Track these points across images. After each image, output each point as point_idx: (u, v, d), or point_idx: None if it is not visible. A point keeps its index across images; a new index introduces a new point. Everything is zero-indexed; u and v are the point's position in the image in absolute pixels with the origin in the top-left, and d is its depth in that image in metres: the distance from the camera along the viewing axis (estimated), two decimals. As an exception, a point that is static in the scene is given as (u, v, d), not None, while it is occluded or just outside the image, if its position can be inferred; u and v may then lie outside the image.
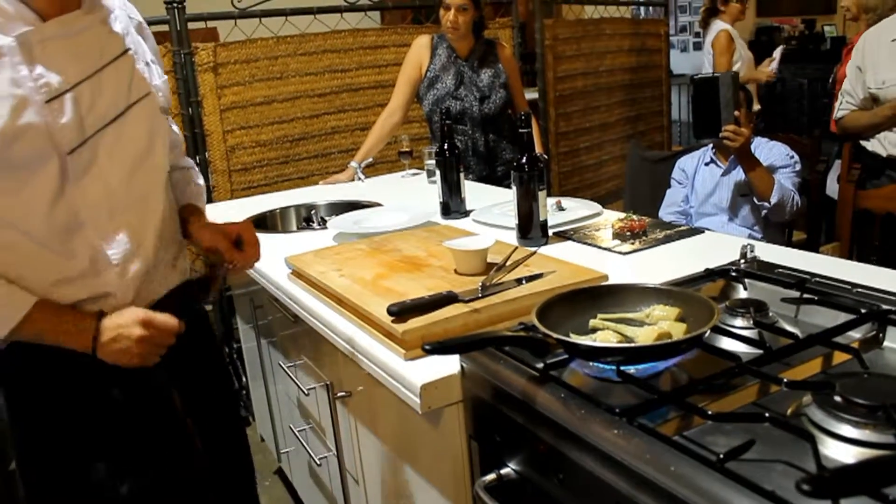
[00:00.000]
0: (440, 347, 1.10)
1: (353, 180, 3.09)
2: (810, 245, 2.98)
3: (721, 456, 0.81)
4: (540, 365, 1.09)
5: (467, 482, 1.29)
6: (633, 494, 0.89)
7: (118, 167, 1.27)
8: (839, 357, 1.09)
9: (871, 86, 2.69)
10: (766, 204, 2.58)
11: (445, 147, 2.29)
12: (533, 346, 1.12)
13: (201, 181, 1.65)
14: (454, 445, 1.28)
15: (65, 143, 1.19)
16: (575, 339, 1.11)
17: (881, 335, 1.15)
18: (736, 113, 2.48)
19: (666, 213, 2.94)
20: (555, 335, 1.07)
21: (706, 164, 2.87)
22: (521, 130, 1.84)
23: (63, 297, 1.26)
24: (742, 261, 1.49)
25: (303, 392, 1.88)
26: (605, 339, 1.12)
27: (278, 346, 2.22)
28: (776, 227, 2.78)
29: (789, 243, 2.89)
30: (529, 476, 1.13)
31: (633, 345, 1.08)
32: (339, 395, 1.71)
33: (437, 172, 2.31)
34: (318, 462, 2.01)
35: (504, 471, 1.18)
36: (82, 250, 1.25)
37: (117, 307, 1.28)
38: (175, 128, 1.58)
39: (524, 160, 1.82)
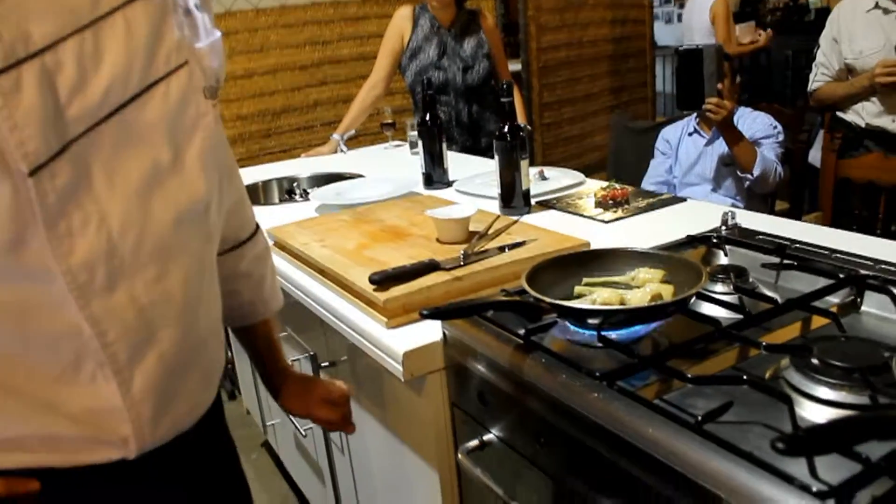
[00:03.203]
0: (437, 313, 1.09)
1: (335, 152, 3.07)
2: (793, 214, 2.99)
3: (699, 418, 0.82)
4: (522, 331, 1.10)
5: (451, 448, 1.30)
6: (613, 457, 0.90)
7: (121, 196, 0.74)
8: (818, 321, 1.10)
9: (847, 56, 2.69)
10: (749, 176, 2.58)
11: (427, 118, 2.27)
12: (527, 310, 1.12)
13: (270, 258, 1.21)
14: (437, 412, 1.29)
15: (22, 156, 0.67)
16: (570, 302, 1.11)
17: (859, 300, 1.16)
18: (719, 86, 2.47)
19: (649, 183, 2.95)
20: (549, 300, 1.07)
21: (689, 135, 2.86)
22: (502, 100, 1.83)
23: (21, 427, 0.77)
24: (723, 227, 1.50)
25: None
26: (606, 300, 1.11)
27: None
28: (759, 197, 2.78)
29: (772, 213, 2.90)
30: (511, 441, 1.13)
31: (627, 307, 1.08)
32: (324, 365, 1.71)
33: (420, 143, 2.30)
34: (304, 433, 2.02)
35: (486, 436, 1.19)
36: (61, 344, 0.75)
37: (125, 442, 0.80)
38: (225, 138, 1.01)
39: (506, 129, 1.81)
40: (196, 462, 0.93)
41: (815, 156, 3.36)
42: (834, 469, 0.72)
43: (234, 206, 1.08)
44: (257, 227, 1.18)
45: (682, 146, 2.88)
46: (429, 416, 1.30)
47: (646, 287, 1.12)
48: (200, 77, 0.83)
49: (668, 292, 1.10)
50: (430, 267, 1.36)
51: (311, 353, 1.75)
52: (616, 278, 1.20)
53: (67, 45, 0.68)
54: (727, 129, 2.56)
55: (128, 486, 0.84)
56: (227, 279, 1.05)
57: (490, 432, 1.18)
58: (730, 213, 1.51)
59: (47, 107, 0.68)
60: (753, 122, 2.69)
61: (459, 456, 1.21)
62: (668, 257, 1.21)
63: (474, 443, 1.19)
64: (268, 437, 2.76)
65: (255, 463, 2.86)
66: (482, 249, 1.46)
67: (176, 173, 0.80)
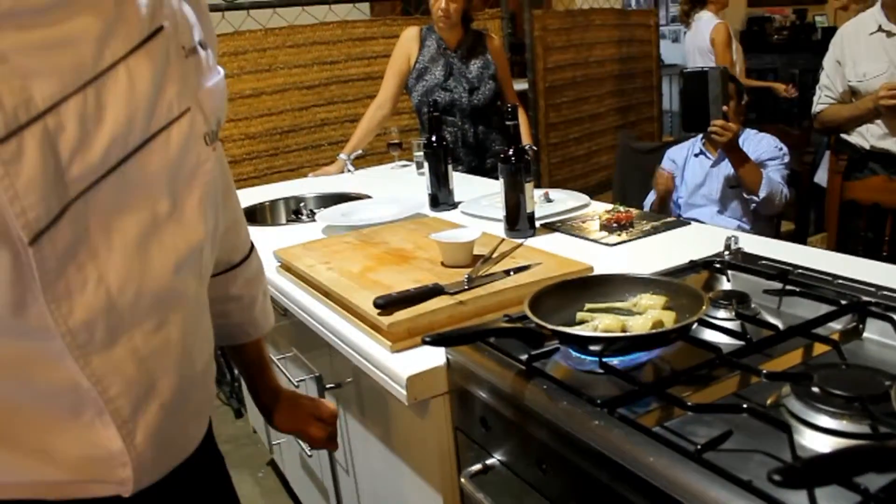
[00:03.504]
0: (439, 339, 1.10)
1: (342, 172, 3.09)
2: (799, 235, 3.00)
3: (699, 447, 0.83)
4: (524, 357, 1.10)
5: (454, 472, 1.30)
6: (613, 485, 0.90)
7: (120, 251, 0.73)
8: (819, 348, 1.11)
9: (850, 79, 2.70)
10: (755, 198, 2.59)
11: (434, 139, 2.29)
12: (529, 337, 1.12)
13: (263, 280, 1.20)
14: (440, 436, 1.29)
15: (22, 225, 0.65)
16: (572, 328, 1.12)
17: (861, 326, 1.17)
18: (724, 108, 2.48)
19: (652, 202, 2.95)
20: (550, 326, 1.08)
21: (696, 156, 2.87)
22: (507, 122, 1.84)
23: (28, 477, 0.77)
24: (726, 252, 1.50)
25: (293, 384, 1.88)
26: (608, 327, 1.12)
27: (268, 338, 2.22)
28: (765, 218, 2.79)
29: (778, 234, 2.91)
30: (514, 466, 1.14)
31: (628, 334, 1.09)
32: (329, 386, 1.72)
33: (426, 164, 2.32)
34: (309, 454, 2.02)
35: (489, 461, 1.19)
36: (60, 396, 0.74)
37: (123, 483, 0.79)
38: (225, 165, 0.99)
39: (511, 152, 1.82)
40: (186, 482, 0.92)
41: (821, 176, 3.37)
42: (833, 499, 0.73)
43: (229, 228, 1.04)
44: (252, 248, 1.16)
45: (689, 167, 2.89)
46: (432, 439, 1.30)
47: (648, 313, 1.13)
48: (202, 123, 0.81)
49: (669, 319, 1.11)
50: (435, 291, 1.37)
51: (317, 374, 1.76)
52: (618, 304, 1.21)
53: (70, 105, 0.66)
54: (732, 151, 2.57)
55: None
56: (216, 301, 1.03)
57: (493, 457, 1.18)
58: (733, 238, 1.52)
59: (48, 171, 0.65)
60: (759, 144, 2.70)
61: (462, 480, 1.21)
62: (670, 283, 1.22)
63: (477, 467, 1.20)
64: (274, 456, 2.76)
65: (262, 481, 2.86)
66: (486, 273, 1.47)
67: (175, 222, 0.78)
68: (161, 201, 0.77)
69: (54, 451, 0.76)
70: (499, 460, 1.17)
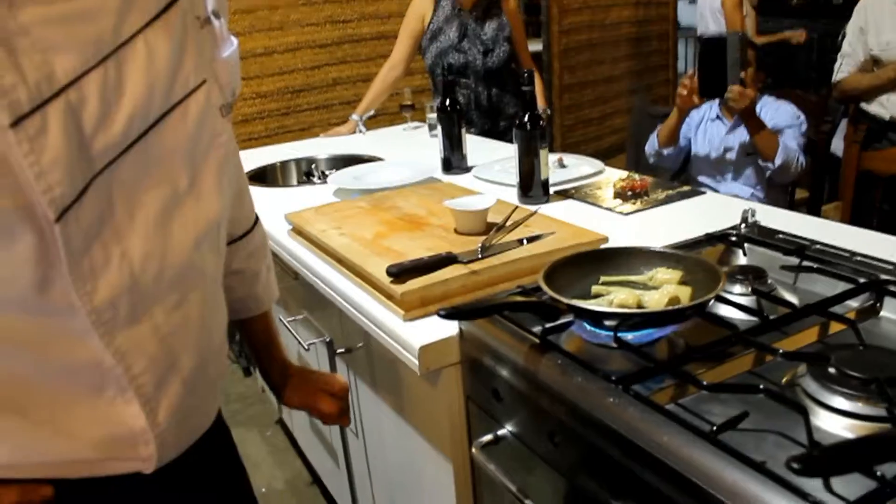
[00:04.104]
0: (454, 313, 1.10)
1: (354, 133, 3.07)
2: (812, 204, 2.97)
3: (715, 427, 0.82)
4: (538, 330, 1.10)
5: (465, 441, 1.30)
6: (626, 462, 0.90)
7: (142, 228, 0.73)
8: (836, 326, 1.09)
9: (873, 47, 2.65)
10: (771, 165, 2.56)
11: (447, 102, 2.27)
12: (544, 310, 1.11)
13: (267, 253, 1.18)
14: (452, 406, 1.29)
15: (48, 202, 0.65)
16: (586, 303, 1.11)
17: (878, 305, 1.16)
18: (742, 74, 2.45)
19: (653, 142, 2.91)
20: (565, 300, 1.07)
21: (712, 120, 2.84)
22: (523, 88, 1.82)
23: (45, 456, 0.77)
24: (743, 225, 1.49)
25: (303, 347, 1.89)
26: (623, 302, 1.11)
27: (279, 301, 2.23)
28: (780, 186, 2.77)
29: (791, 201, 2.88)
30: (525, 438, 1.14)
31: (644, 310, 1.07)
32: (339, 351, 1.72)
33: (439, 127, 2.29)
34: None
35: (501, 432, 1.19)
36: (82, 373, 0.74)
37: (145, 460, 0.81)
38: (233, 142, 0.93)
39: (526, 118, 1.80)
40: (199, 453, 0.92)
41: (837, 145, 3.33)
42: (849, 485, 0.72)
43: (233, 199, 1.00)
44: (255, 221, 1.15)
45: (706, 131, 2.86)
46: (443, 408, 1.30)
47: (663, 288, 1.12)
48: (218, 95, 0.81)
49: (685, 295, 1.10)
50: (448, 260, 1.36)
51: (328, 339, 1.76)
52: (634, 278, 1.20)
53: (91, 78, 0.66)
54: (749, 118, 2.54)
55: (141, 490, 0.85)
56: None
57: (504, 428, 1.19)
58: (750, 211, 1.50)
59: (72, 146, 0.65)
60: (777, 112, 2.66)
61: (473, 450, 1.22)
62: (686, 257, 1.20)
63: (488, 437, 1.20)
64: (282, 415, 2.79)
65: (270, 440, 2.89)
66: (499, 242, 1.46)
67: (194, 197, 0.78)
68: (180, 176, 0.77)
69: (76, 429, 0.76)
70: (510, 432, 1.18)
